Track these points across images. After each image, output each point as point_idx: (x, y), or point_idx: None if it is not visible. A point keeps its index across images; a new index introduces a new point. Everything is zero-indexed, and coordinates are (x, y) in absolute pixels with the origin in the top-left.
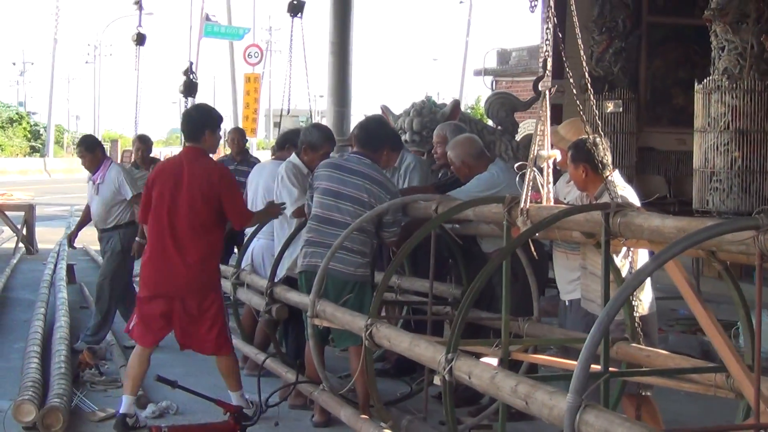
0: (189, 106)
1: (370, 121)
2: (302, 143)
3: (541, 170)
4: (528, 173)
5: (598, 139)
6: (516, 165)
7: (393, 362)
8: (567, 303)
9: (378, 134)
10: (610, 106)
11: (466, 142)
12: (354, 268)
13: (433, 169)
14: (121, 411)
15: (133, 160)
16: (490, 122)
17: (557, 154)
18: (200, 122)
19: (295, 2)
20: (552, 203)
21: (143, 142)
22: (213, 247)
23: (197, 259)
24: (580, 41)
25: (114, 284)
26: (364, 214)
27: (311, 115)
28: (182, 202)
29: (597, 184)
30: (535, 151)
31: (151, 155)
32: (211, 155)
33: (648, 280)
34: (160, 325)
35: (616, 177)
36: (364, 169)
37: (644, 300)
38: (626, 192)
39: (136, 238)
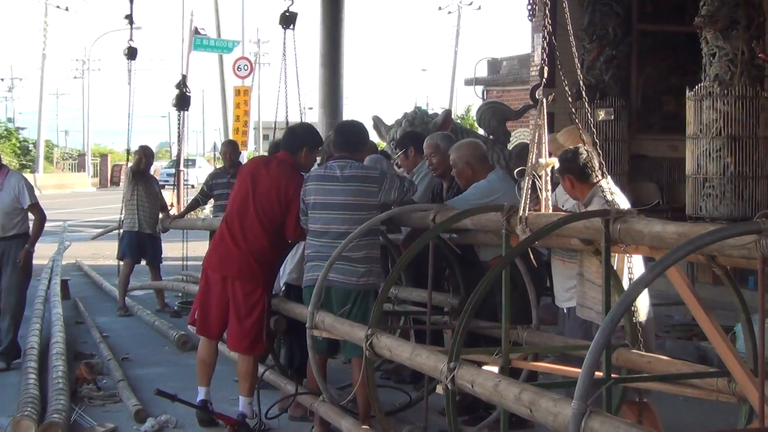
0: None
1: (345, 125)
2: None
3: (539, 178)
4: (526, 181)
5: (581, 148)
6: (516, 172)
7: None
8: (565, 311)
9: (354, 137)
10: (601, 114)
11: (471, 145)
12: (357, 277)
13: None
14: (200, 398)
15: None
16: (481, 131)
17: (555, 162)
18: (302, 138)
19: (287, 14)
20: (551, 211)
21: (146, 155)
22: (274, 244)
23: (256, 249)
24: (574, 49)
25: (20, 293)
26: (358, 217)
27: None
28: (259, 195)
29: (585, 191)
30: (533, 159)
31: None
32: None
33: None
34: (216, 315)
35: (606, 183)
36: (346, 172)
37: (641, 307)
38: (617, 198)
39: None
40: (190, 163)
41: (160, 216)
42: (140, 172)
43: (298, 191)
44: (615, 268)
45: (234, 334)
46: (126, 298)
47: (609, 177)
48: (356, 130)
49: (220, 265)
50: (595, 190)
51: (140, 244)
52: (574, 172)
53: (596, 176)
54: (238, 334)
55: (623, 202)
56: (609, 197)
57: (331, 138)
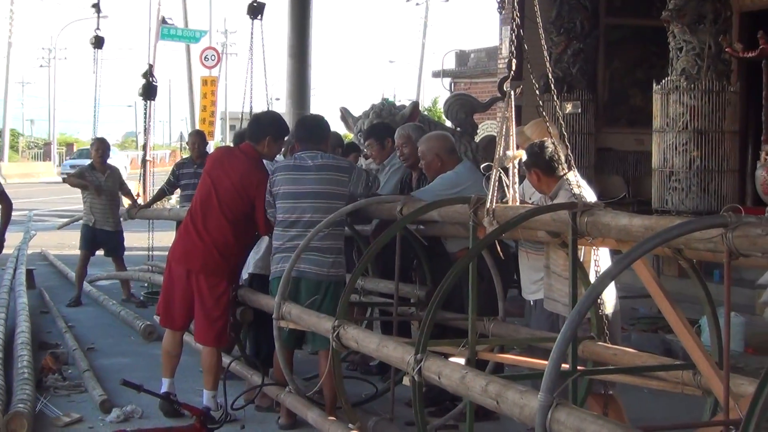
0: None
1: (306, 119)
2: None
3: (506, 170)
4: (494, 173)
5: (547, 141)
6: (483, 165)
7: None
8: (531, 303)
9: (317, 130)
10: (568, 107)
11: (441, 137)
12: (327, 268)
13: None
14: (163, 390)
15: (92, 162)
16: (448, 123)
17: (522, 154)
18: (265, 127)
19: (254, 4)
20: (518, 203)
21: (102, 144)
22: (238, 237)
23: (220, 242)
24: (543, 42)
25: None
26: (328, 205)
27: None
28: (221, 187)
29: (552, 185)
30: (501, 152)
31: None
32: (265, 161)
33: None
34: (180, 307)
35: (572, 176)
36: (318, 161)
37: (608, 299)
38: (584, 191)
39: None
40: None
41: (126, 205)
42: (92, 168)
43: (261, 186)
44: (582, 260)
45: (200, 327)
46: (92, 288)
47: (576, 170)
48: (318, 122)
49: (184, 258)
50: (562, 183)
51: (95, 238)
52: (540, 166)
53: (562, 169)
54: (204, 327)
55: (590, 195)
56: (576, 190)
57: (296, 133)
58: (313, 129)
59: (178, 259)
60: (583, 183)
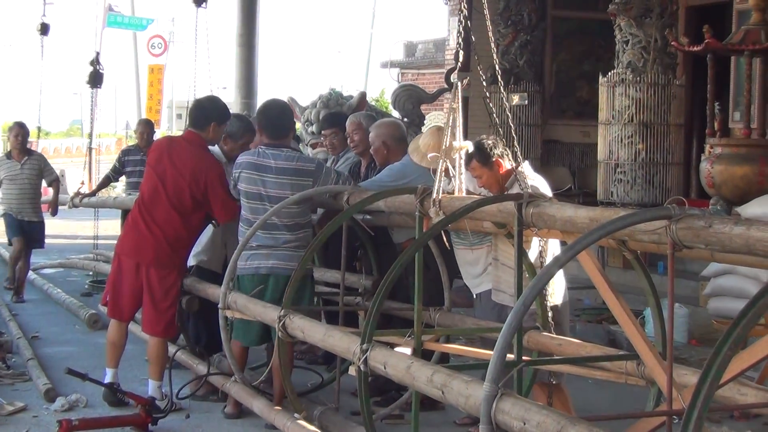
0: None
1: (270, 109)
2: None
3: (452, 161)
4: (440, 164)
5: (490, 137)
6: (429, 156)
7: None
8: (476, 296)
9: (282, 119)
10: (515, 99)
11: (391, 125)
12: (296, 263)
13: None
14: (107, 380)
15: (9, 149)
16: (396, 114)
17: (468, 146)
18: (209, 113)
19: None
20: (464, 194)
21: (21, 129)
22: (189, 229)
23: (171, 235)
24: (490, 34)
25: None
26: (291, 210)
27: None
28: (168, 180)
29: (505, 179)
30: (447, 143)
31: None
32: (209, 146)
33: (561, 270)
34: (129, 299)
35: (526, 168)
36: (281, 163)
37: (558, 290)
38: (536, 182)
39: None
40: None
41: (71, 193)
42: (8, 156)
43: (211, 173)
44: (536, 252)
45: (149, 318)
46: (36, 276)
47: (526, 162)
48: (282, 111)
49: (134, 252)
50: (515, 176)
51: (21, 226)
52: (482, 162)
53: (510, 162)
54: (153, 318)
55: (544, 187)
56: (530, 183)
57: (260, 121)
58: (276, 120)
59: (128, 252)
60: (537, 175)
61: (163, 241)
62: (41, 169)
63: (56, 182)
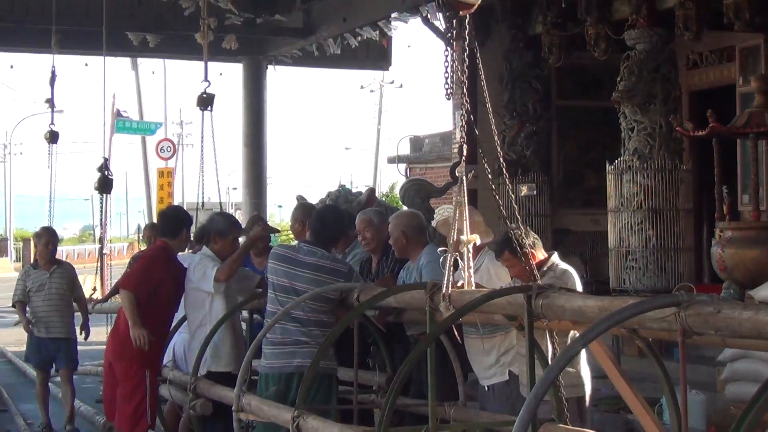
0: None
1: (327, 214)
2: (209, 232)
3: (461, 255)
4: (449, 258)
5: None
6: (438, 250)
7: None
8: (487, 388)
9: (334, 228)
10: (524, 190)
11: (410, 215)
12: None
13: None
14: None
15: (35, 258)
16: (405, 209)
17: (477, 238)
18: (181, 222)
19: (204, 96)
20: (473, 287)
21: (50, 235)
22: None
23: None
24: (494, 126)
25: None
26: (317, 307)
27: (221, 207)
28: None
29: (539, 266)
30: (455, 236)
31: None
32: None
33: (584, 361)
34: (112, 399)
35: (555, 258)
36: (314, 260)
37: (585, 381)
38: (568, 272)
39: None
40: None
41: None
42: (35, 265)
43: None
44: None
45: (118, 414)
46: (50, 384)
47: (556, 253)
48: (338, 220)
49: (106, 349)
50: (549, 267)
51: (40, 350)
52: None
53: (541, 252)
54: (119, 415)
55: (575, 277)
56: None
57: (313, 223)
58: (329, 227)
59: (105, 351)
60: (567, 266)
61: (125, 337)
62: (73, 280)
63: (83, 299)
